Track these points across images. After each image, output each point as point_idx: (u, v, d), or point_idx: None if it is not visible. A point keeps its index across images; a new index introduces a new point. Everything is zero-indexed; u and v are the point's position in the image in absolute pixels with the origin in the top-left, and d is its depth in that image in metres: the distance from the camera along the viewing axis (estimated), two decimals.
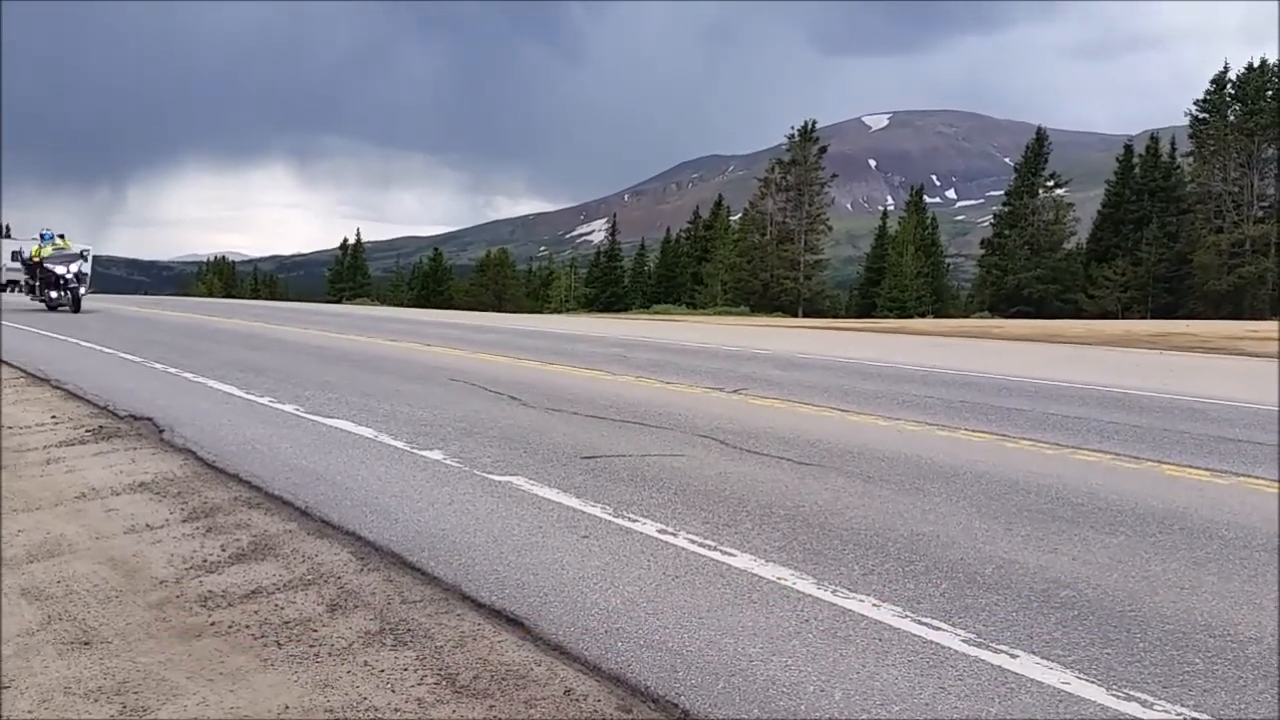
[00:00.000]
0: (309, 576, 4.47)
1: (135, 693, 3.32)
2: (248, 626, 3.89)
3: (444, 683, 3.37)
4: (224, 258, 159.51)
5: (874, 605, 4.02)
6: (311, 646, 3.69)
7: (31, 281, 27.44)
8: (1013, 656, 3.52)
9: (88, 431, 7.93)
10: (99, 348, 15.10)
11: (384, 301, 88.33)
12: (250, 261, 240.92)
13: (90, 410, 9.03)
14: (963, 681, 3.32)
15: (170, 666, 3.53)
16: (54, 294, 26.09)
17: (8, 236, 72.69)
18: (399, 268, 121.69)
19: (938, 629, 3.76)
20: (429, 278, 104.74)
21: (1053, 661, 3.48)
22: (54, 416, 8.68)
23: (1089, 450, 7.58)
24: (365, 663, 3.53)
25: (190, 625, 3.93)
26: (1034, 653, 3.55)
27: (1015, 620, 3.88)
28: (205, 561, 4.70)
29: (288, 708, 3.19)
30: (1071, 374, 14.25)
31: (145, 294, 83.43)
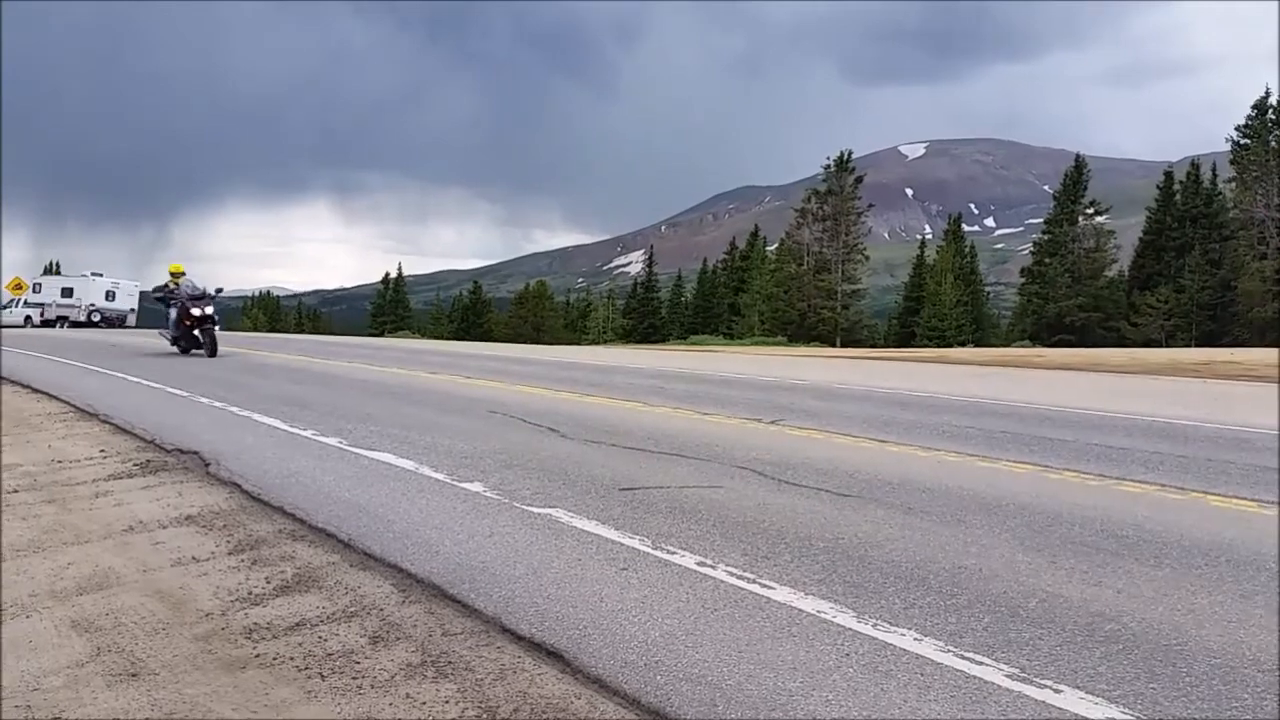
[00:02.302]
0: (352, 608, 4.52)
1: None
2: (292, 658, 3.94)
3: (484, 715, 3.39)
4: (268, 292, 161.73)
5: (915, 639, 4.00)
6: (354, 678, 3.73)
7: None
8: (1056, 691, 3.48)
9: (135, 465, 8.07)
10: (145, 382, 15.35)
11: (424, 334, 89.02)
12: (294, 296, 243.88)
13: (138, 444, 9.18)
14: (1006, 717, 3.29)
15: (216, 698, 3.58)
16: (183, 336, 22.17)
17: (56, 273, 74.22)
18: (439, 300, 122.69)
19: (981, 664, 3.74)
20: (468, 310, 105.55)
21: (1098, 696, 3.45)
22: (102, 450, 8.83)
23: (1133, 481, 7.49)
24: (407, 695, 3.56)
25: (235, 657, 3.98)
26: (1078, 687, 3.52)
27: (1059, 654, 3.84)
28: (250, 594, 4.76)
29: None
30: (1115, 404, 14.08)
31: None
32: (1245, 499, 6.92)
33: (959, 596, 4.56)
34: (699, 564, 5.08)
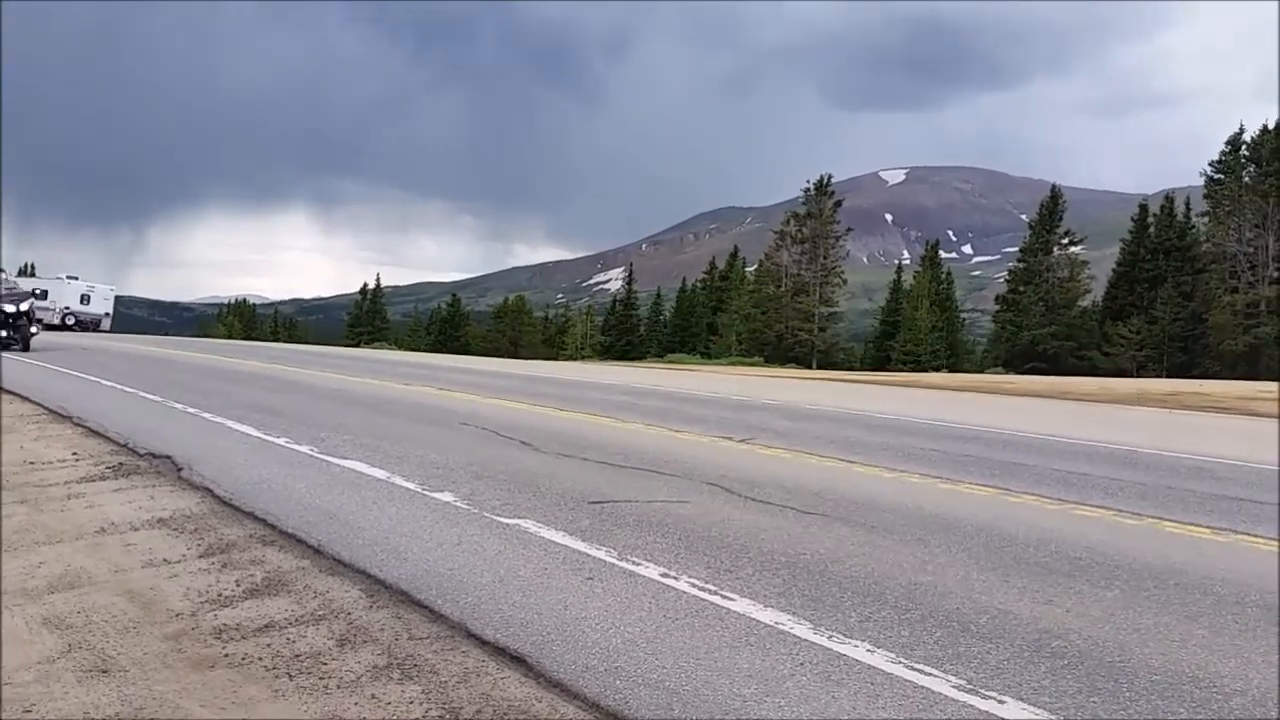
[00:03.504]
0: (320, 612, 4.60)
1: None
2: (260, 659, 4.02)
3: (448, 716, 3.49)
4: (244, 300, 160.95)
5: (868, 650, 4.13)
6: (321, 679, 3.81)
7: None
8: (1000, 702, 3.62)
9: (108, 468, 8.10)
10: (120, 387, 15.33)
11: (402, 346, 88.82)
12: (271, 304, 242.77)
13: (111, 447, 9.21)
14: None
15: (185, 695, 3.66)
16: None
17: (31, 275, 73.71)
18: (417, 312, 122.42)
19: (929, 675, 3.87)
20: (446, 323, 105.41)
21: (1040, 708, 3.58)
22: (75, 453, 8.86)
23: (1090, 506, 7.66)
24: (373, 695, 3.65)
25: (205, 656, 4.05)
26: (1022, 699, 3.65)
27: (1006, 668, 3.98)
28: (220, 596, 4.84)
29: None
30: (1080, 431, 14.31)
31: (165, 334, 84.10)
32: (1200, 525, 7.10)
33: (913, 611, 4.69)
34: (663, 575, 5.20)
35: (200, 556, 5.55)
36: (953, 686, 3.76)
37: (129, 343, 37.63)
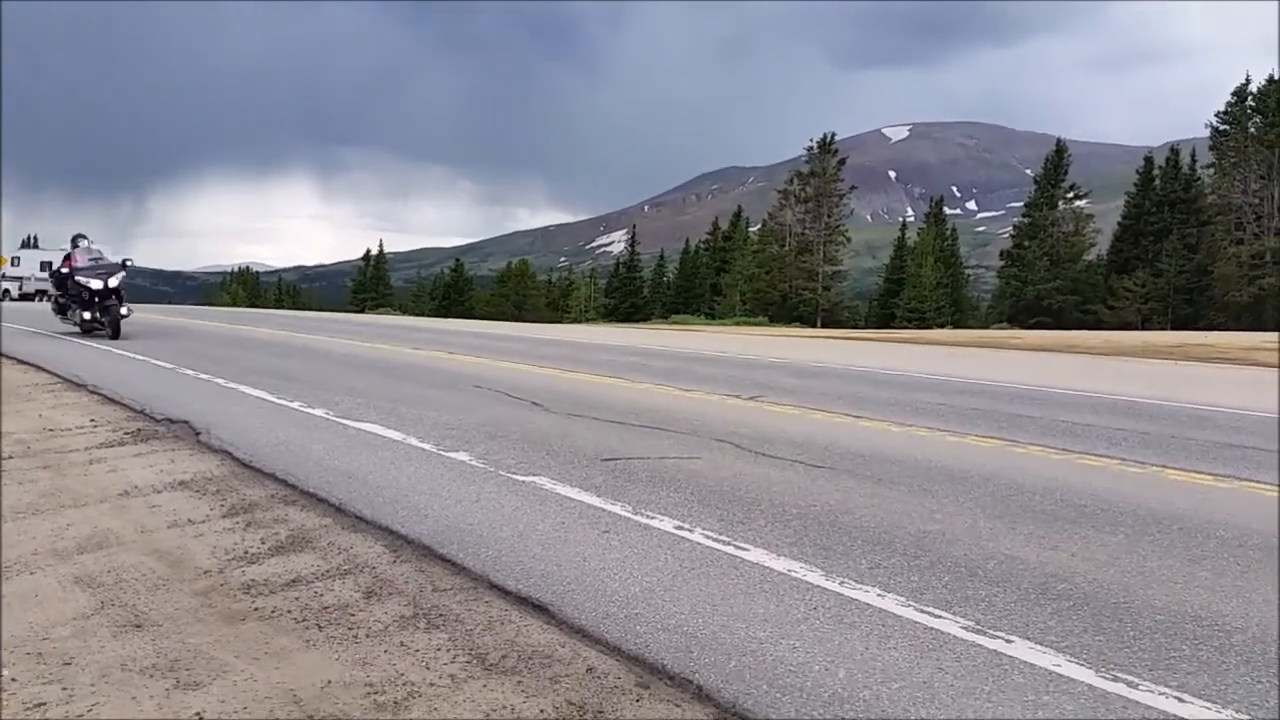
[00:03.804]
0: (345, 567, 4.73)
1: (187, 669, 3.58)
2: (289, 612, 4.15)
3: (474, 661, 3.62)
4: (248, 268, 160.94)
5: (879, 595, 4.25)
6: (350, 629, 3.94)
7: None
8: (1008, 642, 3.74)
9: (126, 434, 8.24)
10: (131, 354, 15.46)
11: (406, 312, 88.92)
12: (274, 272, 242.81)
13: (127, 414, 9.34)
14: (959, 663, 3.55)
15: (218, 647, 3.79)
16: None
17: (35, 247, 73.75)
18: (420, 278, 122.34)
19: (938, 617, 3.99)
20: (450, 288, 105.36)
21: (1046, 647, 3.70)
22: (92, 420, 8.99)
23: (1095, 455, 7.78)
24: (401, 643, 3.78)
25: (235, 610, 4.19)
26: (1029, 639, 3.78)
27: (1013, 610, 4.10)
28: (246, 553, 4.97)
29: (330, 682, 3.44)
30: (1085, 383, 14.40)
31: (169, 303, 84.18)
32: (1202, 472, 7.21)
33: (922, 558, 4.82)
34: (677, 528, 5.32)
35: (224, 516, 5.68)
36: (961, 628, 3.88)
37: (136, 312, 37.74)
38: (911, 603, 4.15)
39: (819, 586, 4.37)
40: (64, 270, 20.11)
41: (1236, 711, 3.21)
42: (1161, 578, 4.61)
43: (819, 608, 4.11)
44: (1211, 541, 5.27)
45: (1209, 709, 3.22)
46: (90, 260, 19.90)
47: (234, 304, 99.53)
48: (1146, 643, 3.78)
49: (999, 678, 3.43)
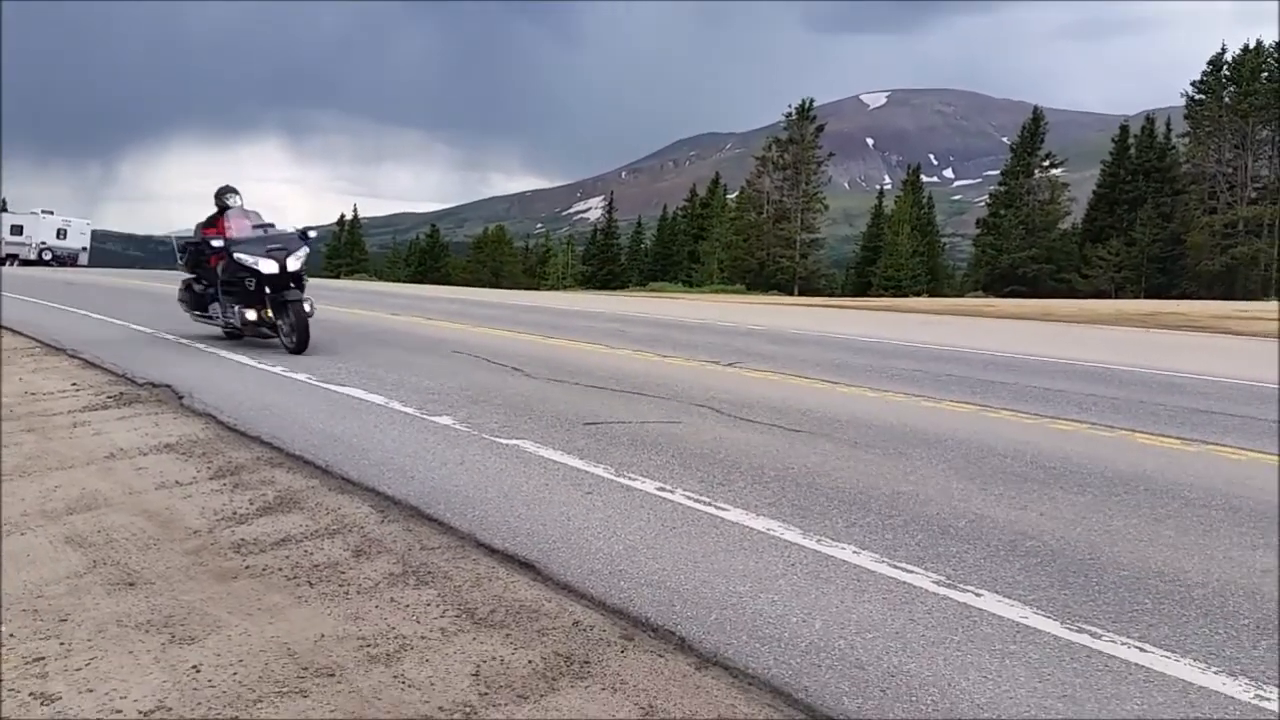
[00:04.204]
0: (334, 527, 4.83)
1: (182, 624, 3.67)
2: (280, 569, 4.25)
3: (464, 615, 3.73)
4: None
5: (854, 552, 4.39)
6: (341, 586, 4.04)
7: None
8: (977, 595, 3.89)
9: (109, 398, 8.27)
10: (109, 319, 15.42)
11: (382, 277, 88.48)
12: None
13: (109, 378, 9.37)
14: (930, 615, 3.70)
15: (212, 603, 3.88)
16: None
17: (5, 210, 72.80)
18: (396, 244, 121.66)
19: (911, 572, 4.14)
20: (426, 254, 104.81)
21: (1014, 600, 3.85)
22: (74, 384, 9.01)
23: (1067, 420, 7.95)
24: (391, 599, 3.89)
25: (226, 568, 4.28)
26: (998, 592, 3.93)
27: (983, 566, 4.25)
28: (235, 514, 5.05)
29: (323, 636, 3.55)
30: (1057, 350, 14.61)
31: (141, 268, 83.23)
32: (1170, 436, 7.39)
33: (896, 517, 4.96)
34: (659, 489, 5.45)
35: (211, 478, 5.76)
36: (933, 582, 4.03)
37: (110, 277, 37.46)
38: (885, 559, 4.30)
39: (796, 544, 4.51)
40: (206, 242, 12.11)
41: (1194, 660, 3.37)
42: (1127, 536, 4.77)
43: (796, 564, 4.25)
44: (1176, 502, 5.44)
45: (1168, 658, 3.38)
46: (254, 228, 12.18)
47: None
48: (1110, 597, 3.94)
49: (968, 629, 3.58)
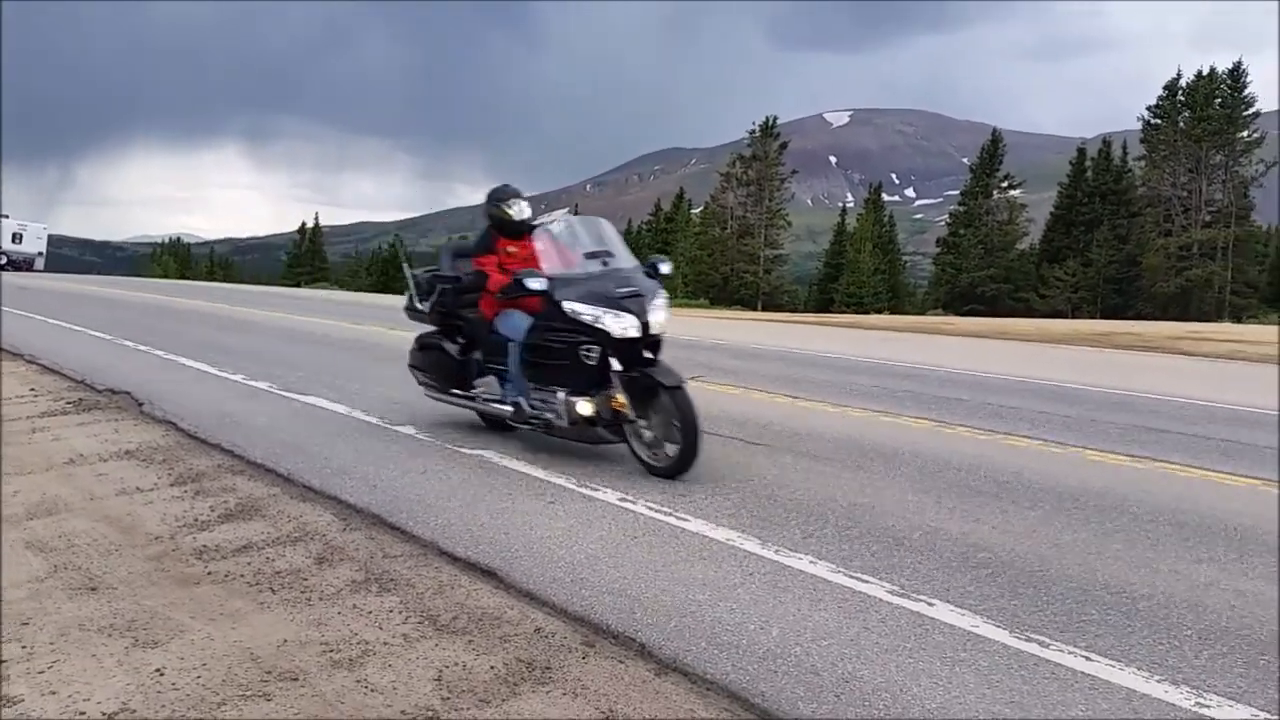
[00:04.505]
0: (296, 534, 4.85)
1: (145, 629, 3.69)
2: (242, 576, 4.27)
3: (426, 622, 3.77)
4: (179, 239, 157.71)
5: (811, 562, 4.48)
6: (303, 593, 4.07)
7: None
8: (930, 605, 3.99)
9: (68, 404, 8.21)
10: (68, 325, 15.25)
11: (344, 287, 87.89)
12: (206, 243, 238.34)
13: (68, 384, 9.30)
14: (884, 624, 3.79)
15: (174, 608, 3.90)
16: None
17: None
18: (357, 253, 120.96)
19: (866, 582, 4.24)
20: (389, 264, 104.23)
21: (965, 609, 3.96)
22: (32, 389, 8.93)
23: (1020, 436, 8.11)
24: (354, 605, 3.93)
25: (188, 574, 4.29)
26: (950, 602, 4.03)
27: (935, 576, 4.35)
28: (197, 520, 5.06)
29: (286, 641, 3.58)
30: (1013, 368, 14.83)
31: (99, 275, 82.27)
32: (1119, 453, 7.55)
33: (853, 529, 5.06)
34: (620, 500, 5.51)
35: (172, 485, 5.76)
36: (887, 591, 4.13)
37: (66, 282, 36.98)
38: (841, 569, 4.39)
39: (755, 554, 4.59)
40: (479, 275, 7.44)
41: (1138, 669, 3.48)
42: (1075, 549, 4.90)
43: (755, 574, 4.33)
44: (1124, 517, 5.58)
45: (1113, 666, 3.49)
46: (588, 257, 7.02)
47: (165, 276, 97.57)
48: (1059, 607, 4.05)
49: (920, 636, 3.68)
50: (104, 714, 3.03)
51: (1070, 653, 3.59)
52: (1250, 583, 4.48)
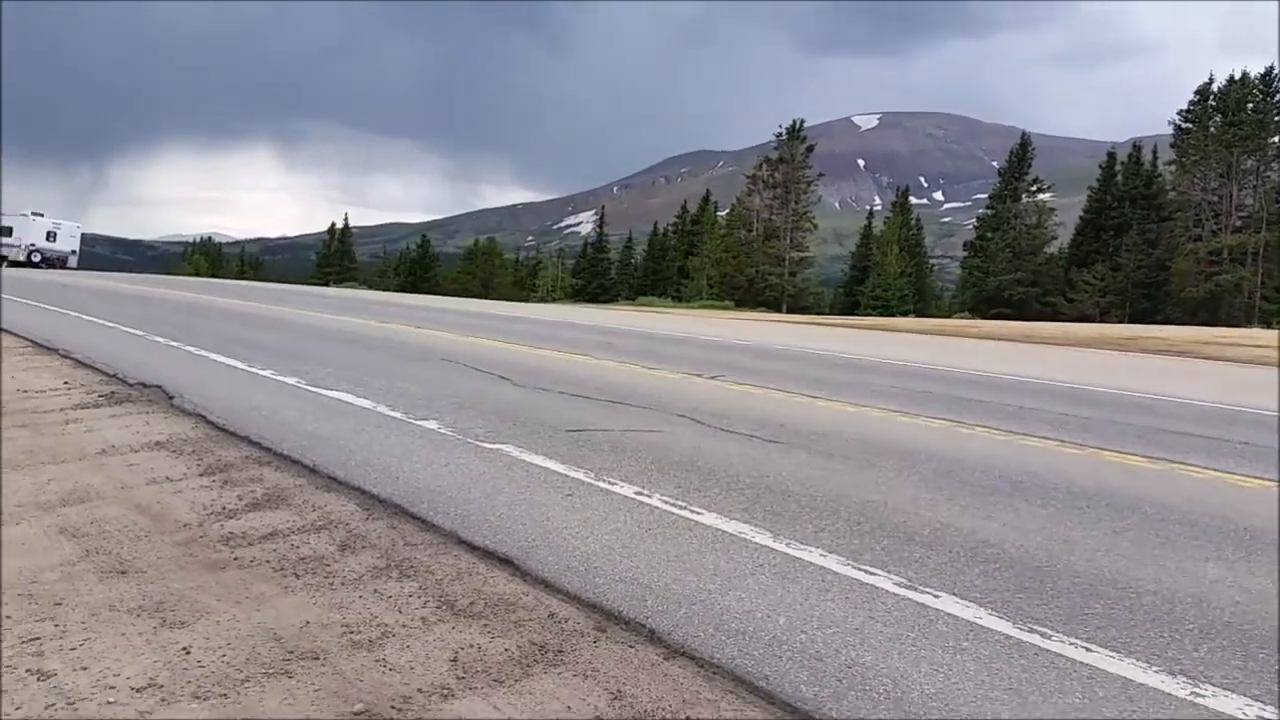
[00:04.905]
0: (320, 522, 4.98)
1: (172, 610, 3.83)
2: (268, 561, 4.40)
3: (444, 607, 3.89)
4: (210, 239, 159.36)
5: (821, 555, 4.57)
6: (326, 578, 4.20)
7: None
8: (936, 596, 4.07)
9: (100, 397, 8.40)
10: (101, 321, 15.53)
11: (371, 287, 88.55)
12: (236, 243, 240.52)
13: (100, 378, 9.49)
14: (889, 614, 3.88)
15: (201, 591, 4.04)
16: None
17: None
18: (386, 253, 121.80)
19: (874, 574, 4.32)
20: (416, 264, 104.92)
21: (970, 602, 4.04)
22: (66, 383, 9.13)
23: (1037, 437, 8.16)
24: (375, 590, 4.05)
25: (215, 560, 4.43)
26: (955, 594, 4.11)
27: (943, 570, 4.43)
28: (224, 509, 5.20)
29: (308, 623, 3.70)
30: (1036, 370, 14.85)
31: (131, 272, 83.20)
32: (1136, 455, 7.59)
33: (864, 524, 5.15)
34: (636, 493, 5.62)
35: (201, 475, 5.91)
36: (894, 584, 4.21)
37: (100, 280, 37.49)
38: (850, 562, 4.48)
39: (766, 547, 4.69)
40: None
41: (1137, 660, 3.55)
42: (1085, 546, 4.96)
43: (765, 565, 4.42)
44: (1136, 516, 5.63)
45: (1113, 657, 3.56)
46: None
47: (197, 274, 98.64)
48: (1063, 601, 4.13)
49: (924, 626, 3.76)
50: (133, 688, 3.16)
51: (1071, 644, 3.66)
52: (1256, 580, 4.54)
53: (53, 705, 3.03)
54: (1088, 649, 3.62)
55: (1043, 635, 3.73)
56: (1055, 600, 4.13)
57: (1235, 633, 3.86)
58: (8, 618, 3.69)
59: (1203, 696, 3.28)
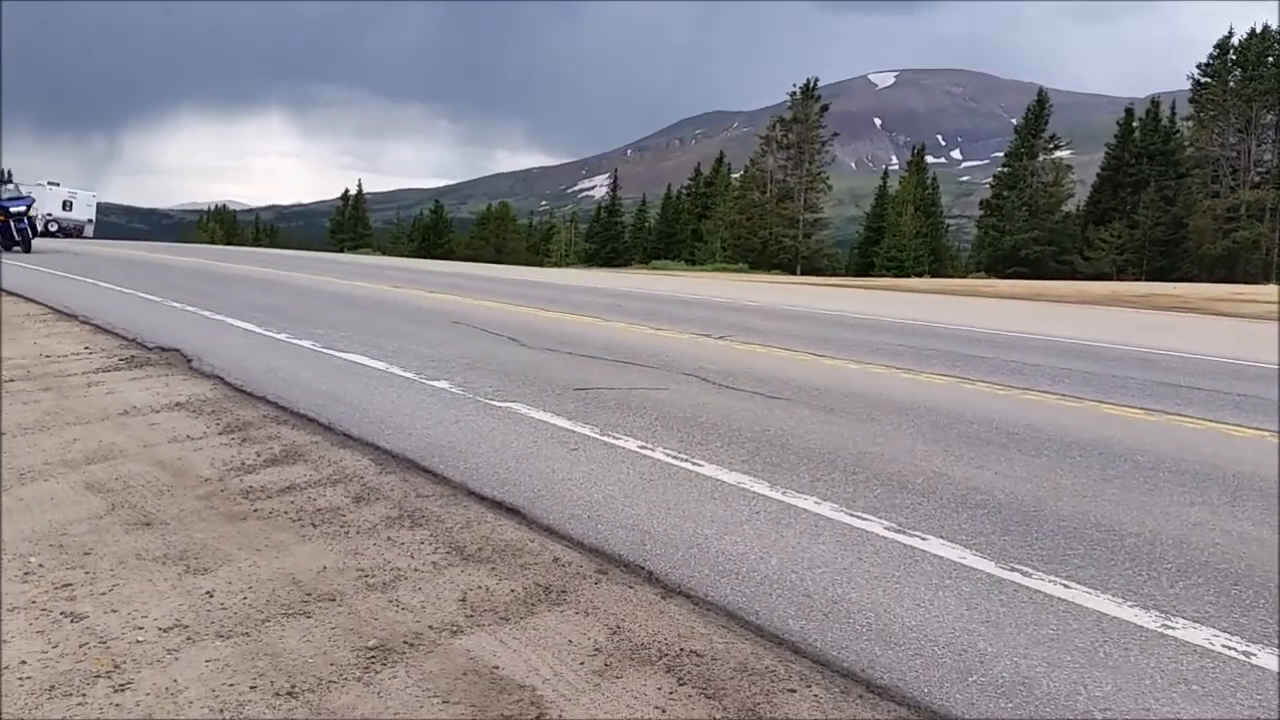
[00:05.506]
0: (335, 476, 5.19)
1: (196, 558, 4.04)
2: (285, 513, 4.61)
3: (453, 552, 4.09)
4: (224, 206, 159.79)
5: (816, 503, 4.75)
6: (341, 527, 4.41)
7: None
8: (923, 539, 4.25)
9: (121, 360, 8.63)
10: (118, 288, 15.77)
11: (385, 252, 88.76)
12: (250, 211, 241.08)
13: (120, 343, 9.73)
14: (877, 555, 4.07)
15: (223, 541, 4.25)
16: None
17: (9, 182, 72.89)
18: (399, 219, 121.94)
19: (865, 520, 4.50)
20: (430, 229, 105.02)
21: (956, 544, 4.21)
22: (86, 347, 9.37)
23: (1037, 391, 8.30)
24: (388, 538, 4.26)
25: (236, 511, 4.65)
26: (943, 538, 4.28)
27: (932, 515, 4.61)
28: (243, 464, 5.42)
29: (325, 568, 3.91)
30: (1044, 328, 14.95)
31: (146, 241, 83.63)
32: (1134, 407, 7.73)
33: (859, 474, 5.32)
34: (640, 447, 5.80)
35: (220, 433, 6.13)
36: (884, 528, 4.39)
37: (116, 248, 37.82)
38: (844, 509, 4.66)
39: (763, 495, 4.87)
40: None
41: (1113, 596, 3.72)
42: (1072, 492, 5.12)
43: (761, 512, 4.61)
44: (1126, 465, 5.78)
45: (1090, 594, 3.73)
46: None
47: (212, 242, 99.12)
48: (1046, 543, 4.30)
49: (909, 566, 3.94)
50: (160, 629, 3.37)
51: (1050, 581, 3.83)
52: (1238, 524, 4.69)
53: (86, 644, 3.24)
54: (1066, 586, 3.79)
55: (1023, 574, 3.90)
56: (1039, 542, 4.30)
57: (1212, 571, 4.03)
58: (40, 566, 3.91)
59: (1173, 629, 3.45)
